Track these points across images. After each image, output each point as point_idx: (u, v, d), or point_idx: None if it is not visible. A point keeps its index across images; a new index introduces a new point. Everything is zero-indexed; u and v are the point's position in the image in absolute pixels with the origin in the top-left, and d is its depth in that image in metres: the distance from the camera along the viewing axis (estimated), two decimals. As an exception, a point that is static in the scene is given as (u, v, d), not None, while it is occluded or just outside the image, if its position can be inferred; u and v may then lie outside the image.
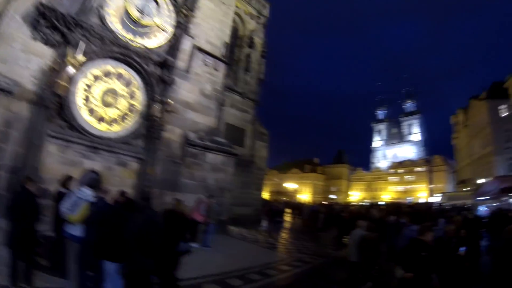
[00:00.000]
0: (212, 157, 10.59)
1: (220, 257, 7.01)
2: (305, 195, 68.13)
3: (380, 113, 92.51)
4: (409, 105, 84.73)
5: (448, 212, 12.72)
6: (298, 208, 22.16)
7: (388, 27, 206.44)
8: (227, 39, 12.21)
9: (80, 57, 7.69)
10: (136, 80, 9.19)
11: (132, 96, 9.08)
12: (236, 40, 15.74)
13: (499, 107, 26.27)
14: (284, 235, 12.40)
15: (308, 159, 78.53)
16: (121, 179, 8.51)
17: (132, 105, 9.05)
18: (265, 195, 58.63)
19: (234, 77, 15.12)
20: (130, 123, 8.96)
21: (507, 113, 25.59)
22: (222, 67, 11.68)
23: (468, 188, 30.03)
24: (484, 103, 28.02)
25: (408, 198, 55.90)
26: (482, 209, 19.73)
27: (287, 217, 18.67)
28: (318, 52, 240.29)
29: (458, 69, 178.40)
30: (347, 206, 23.74)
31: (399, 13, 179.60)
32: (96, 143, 8.14)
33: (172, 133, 9.72)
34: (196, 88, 10.68)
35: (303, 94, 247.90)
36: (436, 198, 48.66)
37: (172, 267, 4.24)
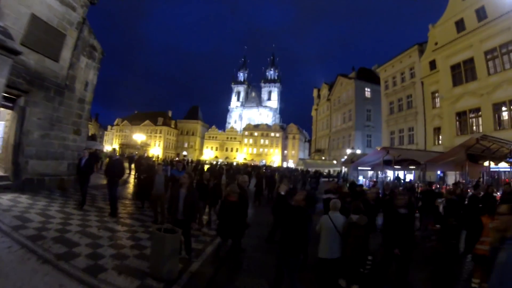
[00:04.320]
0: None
1: None
2: (157, 150, 63.95)
3: (241, 75, 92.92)
4: (271, 72, 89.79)
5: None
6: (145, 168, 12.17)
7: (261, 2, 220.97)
8: None
9: None
10: None
11: None
12: None
13: (365, 89, 28.74)
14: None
15: (162, 111, 74.57)
16: None
17: None
18: (114, 147, 49.08)
19: None
20: None
21: (370, 96, 28.34)
22: None
23: (324, 158, 33.03)
24: (352, 81, 29.96)
25: (262, 161, 59.75)
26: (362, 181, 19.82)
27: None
28: (185, 10, 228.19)
29: (322, 56, 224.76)
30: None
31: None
32: None
33: None
34: None
35: (166, 48, 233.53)
36: (290, 164, 54.54)
37: None
